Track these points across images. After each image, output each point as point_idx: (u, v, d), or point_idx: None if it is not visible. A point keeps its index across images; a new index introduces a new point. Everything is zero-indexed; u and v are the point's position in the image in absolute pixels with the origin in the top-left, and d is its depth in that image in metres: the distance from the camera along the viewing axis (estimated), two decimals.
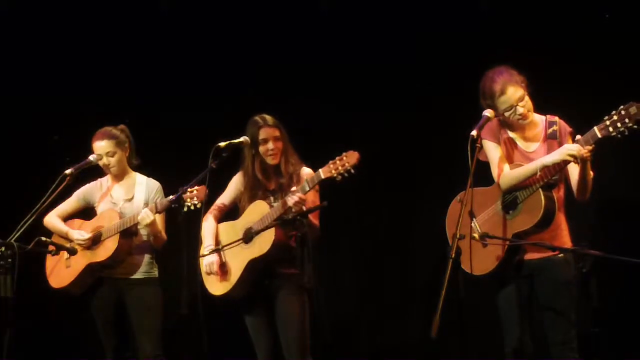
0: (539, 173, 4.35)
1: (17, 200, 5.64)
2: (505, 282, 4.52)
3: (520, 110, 4.48)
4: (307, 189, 4.75)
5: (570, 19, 5.80)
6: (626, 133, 4.07)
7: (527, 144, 4.56)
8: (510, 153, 4.56)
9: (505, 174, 4.49)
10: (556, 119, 4.55)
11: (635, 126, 4.04)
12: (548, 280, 4.43)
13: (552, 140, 4.47)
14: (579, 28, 5.77)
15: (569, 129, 4.52)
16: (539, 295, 4.46)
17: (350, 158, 4.60)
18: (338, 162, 4.63)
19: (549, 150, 4.44)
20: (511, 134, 4.59)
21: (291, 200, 4.74)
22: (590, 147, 4.21)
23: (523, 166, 4.45)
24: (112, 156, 5.48)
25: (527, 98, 4.50)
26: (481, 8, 6.07)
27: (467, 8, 6.09)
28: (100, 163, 5.48)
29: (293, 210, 4.73)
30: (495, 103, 4.48)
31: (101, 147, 5.46)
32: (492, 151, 4.56)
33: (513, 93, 4.46)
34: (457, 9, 6.11)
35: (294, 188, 4.81)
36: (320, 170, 4.70)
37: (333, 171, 4.63)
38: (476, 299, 4.34)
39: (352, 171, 4.60)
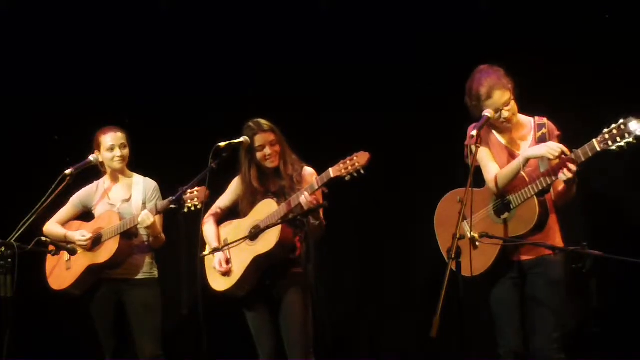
0: (522, 168, 4.35)
1: (17, 200, 5.63)
2: (496, 282, 4.51)
3: (505, 114, 4.46)
4: (317, 187, 4.76)
5: (570, 19, 5.80)
6: (625, 148, 4.04)
7: (516, 145, 4.54)
8: (500, 156, 4.55)
9: (499, 175, 4.48)
10: (544, 120, 4.52)
11: (634, 142, 4.02)
12: (538, 279, 4.42)
13: (542, 143, 4.42)
14: (579, 28, 5.76)
15: (556, 132, 4.49)
16: (529, 295, 4.45)
17: (360, 158, 4.61)
18: (348, 162, 4.63)
19: None
20: (499, 137, 4.57)
21: (303, 199, 4.74)
22: (575, 169, 4.19)
23: (509, 164, 4.44)
24: (125, 148, 5.48)
25: (512, 102, 4.47)
26: (481, 8, 6.07)
27: (467, 8, 6.09)
28: (109, 156, 5.45)
29: (305, 208, 4.72)
30: (480, 106, 4.47)
31: (117, 138, 5.45)
32: (484, 155, 4.54)
33: (499, 97, 4.44)
34: (457, 9, 6.11)
35: (307, 187, 4.81)
36: (330, 169, 4.70)
37: (343, 171, 4.63)
38: (476, 299, 4.34)
39: (362, 172, 4.60)
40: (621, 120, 4.05)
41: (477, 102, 4.47)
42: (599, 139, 4.11)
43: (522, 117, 4.56)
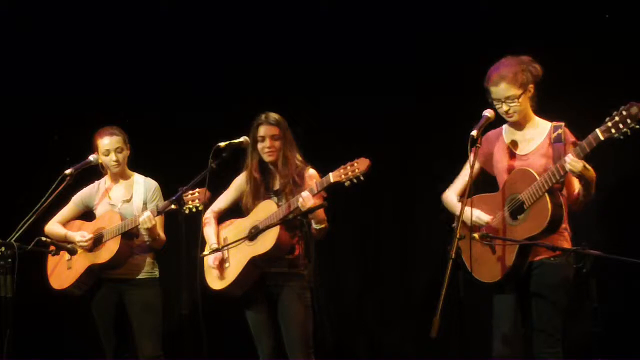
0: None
1: (17, 200, 5.64)
2: (501, 284, 4.50)
3: (504, 107, 4.42)
4: (316, 191, 4.76)
5: (570, 19, 5.80)
6: (629, 134, 4.02)
7: (522, 147, 4.51)
8: (509, 159, 4.52)
9: (445, 195, 4.72)
10: (561, 124, 4.47)
11: (637, 126, 4.01)
12: (538, 282, 4.39)
13: (558, 144, 4.38)
14: (579, 28, 5.76)
15: (572, 138, 4.43)
16: (529, 297, 4.43)
17: (360, 165, 4.62)
18: (349, 167, 4.64)
19: (554, 154, 4.37)
20: (508, 141, 4.55)
21: (301, 201, 4.74)
22: (580, 161, 4.18)
23: (456, 205, 4.61)
24: (121, 152, 5.47)
25: (521, 100, 4.41)
26: (481, 8, 6.06)
27: (467, 8, 6.09)
28: (106, 160, 5.46)
29: (302, 210, 4.73)
30: (487, 88, 4.47)
31: (112, 142, 5.44)
32: (466, 167, 4.57)
33: (505, 90, 4.40)
34: (457, 9, 6.11)
35: (305, 191, 4.80)
36: (330, 174, 4.71)
37: (343, 176, 4.65)
38: (476, 299, 4.34)
39: (362, 178, 4.62)
40: (622, 107, 4.04)
41: (486, 83, 4.46)
42: (602, 128, 4.09)
43: (539, 120, 4.52)
